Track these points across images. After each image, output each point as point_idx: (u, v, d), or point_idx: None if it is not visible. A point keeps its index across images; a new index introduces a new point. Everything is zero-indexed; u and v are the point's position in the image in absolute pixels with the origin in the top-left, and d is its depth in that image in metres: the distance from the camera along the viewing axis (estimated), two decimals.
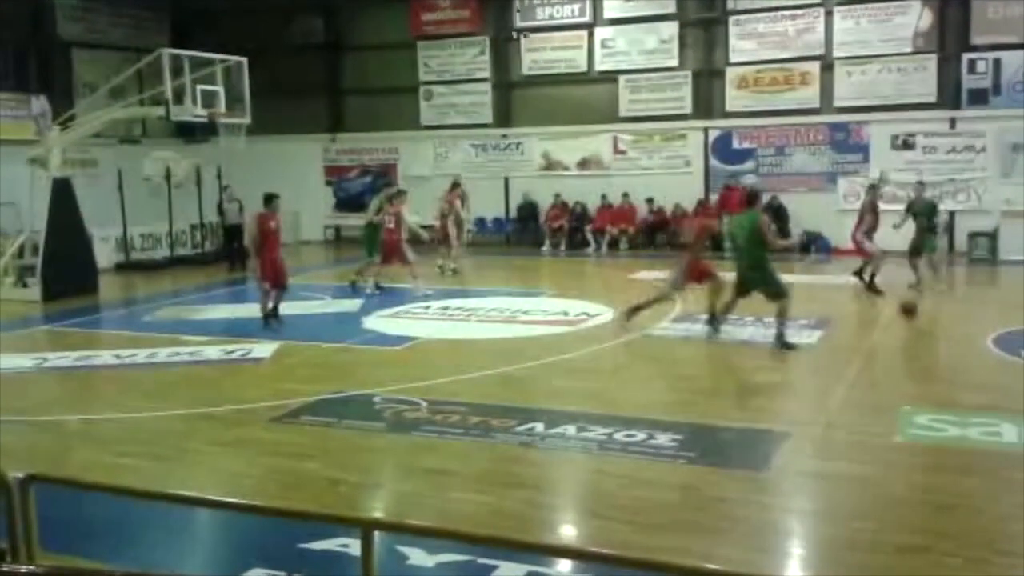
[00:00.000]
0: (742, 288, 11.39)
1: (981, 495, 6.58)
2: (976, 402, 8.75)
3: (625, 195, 21.89)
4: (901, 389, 9.53)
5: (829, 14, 20.44)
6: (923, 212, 15.12)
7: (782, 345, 10.95)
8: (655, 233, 21.76)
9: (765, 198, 20.64)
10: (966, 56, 19.45)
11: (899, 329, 11.91)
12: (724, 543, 5.85)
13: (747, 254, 11.29)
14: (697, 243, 12.32)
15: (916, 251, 14.92)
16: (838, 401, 9.09)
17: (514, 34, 23.06)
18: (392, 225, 15.79)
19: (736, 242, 11.66)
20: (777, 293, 11.08)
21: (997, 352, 10.77)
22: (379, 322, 13.55)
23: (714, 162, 21.64)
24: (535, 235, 22.78)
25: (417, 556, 5.48)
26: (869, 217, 15.13)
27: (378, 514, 6.54)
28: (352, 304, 14.93)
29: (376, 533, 4.01)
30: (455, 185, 18.83)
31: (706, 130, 21.68)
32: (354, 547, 4.28)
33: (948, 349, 11.67)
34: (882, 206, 15.34)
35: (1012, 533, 5.96)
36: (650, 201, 21.71)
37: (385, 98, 24.27)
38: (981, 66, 19.36)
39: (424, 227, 18.28)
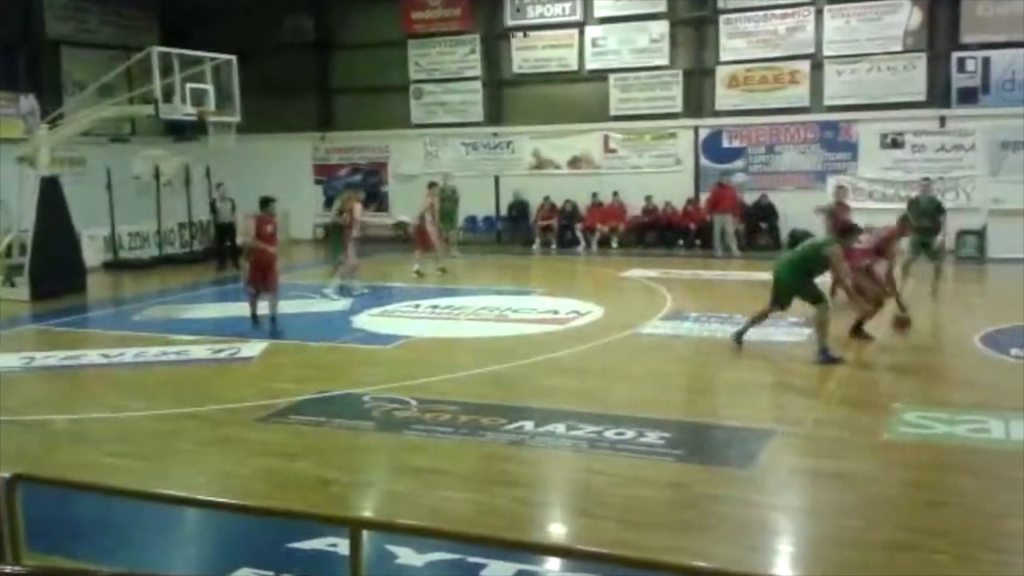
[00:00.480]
0: (777, 292, 10.74)
1: (969, 492, 6.60)
2: (964, 400, 8.79)
3: (615, 194, 21.90)
4: (889, 387, 9.56)
5: (819, 13, 20.47)
6: (927, 211, 14.43)
7: (826, 359, 10.13)
8: (646, 232, 21.77)
9: (754, 196, 20.88)
10: (956, 55, 19.51)
11: (887, 328, 11.91)
12: (713, 540, 5.86)
13: (797, 259, 10.69)
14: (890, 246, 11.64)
15: (915, 252, 14.16)
16: (826, 399, 9.11)
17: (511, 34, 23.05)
18: (347, 221, 15.74)
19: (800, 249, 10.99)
20: (815, 298, 10.44)
21: (985, 350, 10.80)
22: (368, 321, 13.52)
23: (704, 161, 21.66)
24: (526, 234, 22.77)
25: (406, 555, 5.47)
26: (831, 222, 14.92)
27: (367, 513, 6.53)
28: (341, 303, 14.90)
29: (365, 532, 4.01)
30: (431, 185, 18.78)
31: (696, 129, 21.70)
32: (343, 546, 4.27)
33: (936, 347, 11.70)
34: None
35: (1001, 530, 5.99)
36: (649, 198, 21.68)
37: (375, 96, 24.21)
38: (971, 65, 19.43)
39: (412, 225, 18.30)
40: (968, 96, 19.50)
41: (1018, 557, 5.57)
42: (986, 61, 19.26)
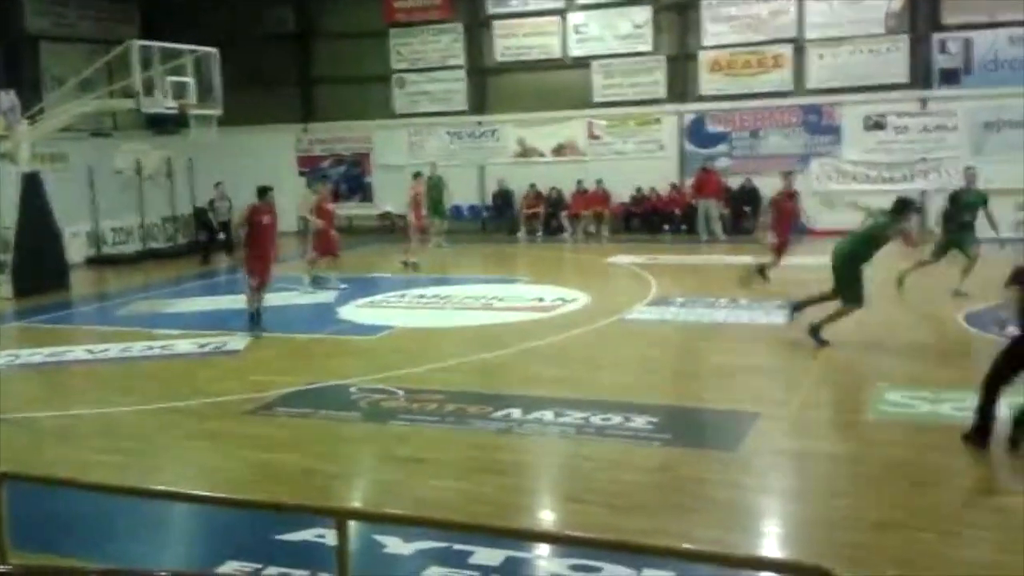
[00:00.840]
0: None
1: (953, 470, 6.64)
2: (947, 378, 8.82)
3: (599, 181, 21.86)
4: (874, 367, 9.60)
5: None
6: (974, 204, 12.97)
7: (814, 336, 10.19)
8: (631, 218, 21.79)
9: (738, 181, 20.90)
10: (937, 36, 19.56)
11: (872, 309, 11.93)
12: (701, 523, 5.89)
13: (851, 244, 10.37)
14: None
15: (943, 250, 13.03)
16: (811, 380, 9.16)
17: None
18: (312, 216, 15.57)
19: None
20: (848, 298, 10.17)
21: (968, 329, 10.86)
22: (354, 312, 13.49)
23: (689, 146, 21.67)
24: (511, 222, 22.75)
25: (394, 544, 5.47)
26: (772, 210, 14.65)
27: (355, 504, 6.53)
28: (326, 295, 14.84)
29: (353, 522, 4.01)
30: (416, 175, 18.71)
31: (680, 114, 21.70)
32: (330, 537, 4.27)
33: (920, 327, 11.75)
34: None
35: (984, 507, 6.07)
36: (639, 189, 21.66)
37: (358, 87, 24.09)
38: (952, 46, 19.48)
39: (399, 216, 18.22)
40: (950, 77, 19.56)
41: (999, 533, 5.62)
42: (968, 42, 19.31)
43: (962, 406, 7.50)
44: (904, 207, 10.33)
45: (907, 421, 7.70)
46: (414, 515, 4.98)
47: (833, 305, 10.35)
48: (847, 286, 10.25)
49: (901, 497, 6.22)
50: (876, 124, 20.13)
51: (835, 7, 20.28)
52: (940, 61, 19.59)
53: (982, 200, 13.11)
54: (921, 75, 19.77)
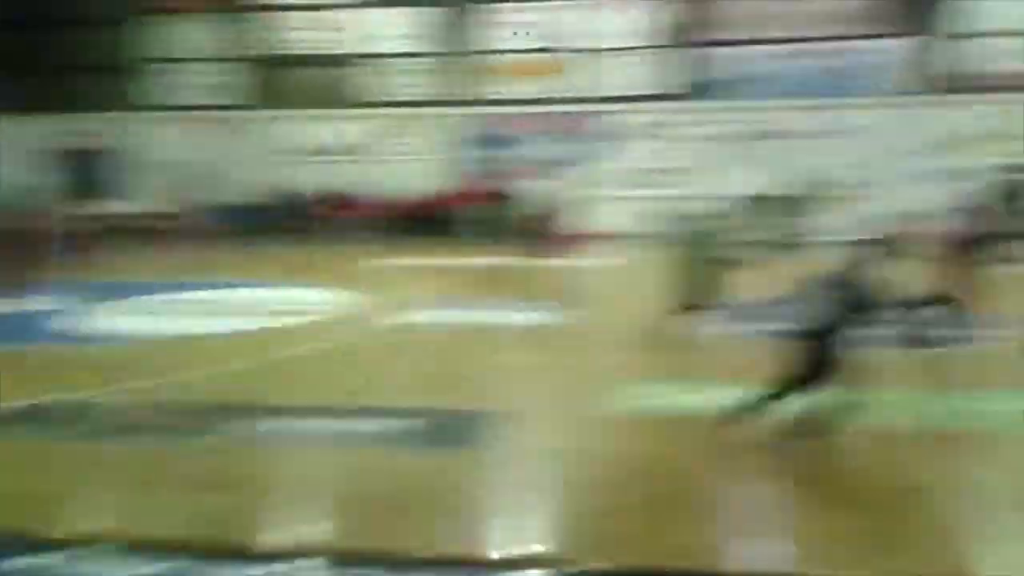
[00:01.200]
0: None
1: (695, 459, 6.89)
2: (696, 372, 9.19)
3: (377, 182, 21.44)
4: (624, 365, 9.74)
5: (586, 6, 20.96)
6: (792, 206, 13.94)
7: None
8: (407, 220, 21.51)
9: (511, 185, 21.01)
10: (713, 50, 20.62)
11: (628, 308, 12.15)
12: (457, 525, 5.79)
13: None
14: None
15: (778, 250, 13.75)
16: (566, 380, 9.29)
17: None
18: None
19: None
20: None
21: (718, 326, 11.21)
22: (99, 319, 12.37)
23: (467, 149, 21.73)
24: (292, 223, 21.77)
25: (116, 571, 4.93)
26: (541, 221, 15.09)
27: (86, 528, 5.82)
28: (60, 301, 13.30)
29: (70, 550, 3.52)
30: (188, 173, 17.69)
31: (459, 117, 21.73)
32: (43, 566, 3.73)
33: (673, 323, 12.04)
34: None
35: (725, 493, 6.30)
36: (417, 190, 21.46)
37: (116, 76, 22.37)
38: (723, 60, 20.57)
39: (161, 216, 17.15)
40: (720, 89, 20.61)
41: (751, 516, 5.95)
42: (742, 56, 20.45)
43: (710, 398, 7.77)
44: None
45: (656, 415, 7.94)
46: (116, 537, 4.47)
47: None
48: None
49: (650, 488, 6.34)
50: (646, 133, 20.92)
51: (610, 18, 20.97)
52: (711, 74, 20.66)
53: (803, 201, 13.81)
54: (693, 87, 20.74)
